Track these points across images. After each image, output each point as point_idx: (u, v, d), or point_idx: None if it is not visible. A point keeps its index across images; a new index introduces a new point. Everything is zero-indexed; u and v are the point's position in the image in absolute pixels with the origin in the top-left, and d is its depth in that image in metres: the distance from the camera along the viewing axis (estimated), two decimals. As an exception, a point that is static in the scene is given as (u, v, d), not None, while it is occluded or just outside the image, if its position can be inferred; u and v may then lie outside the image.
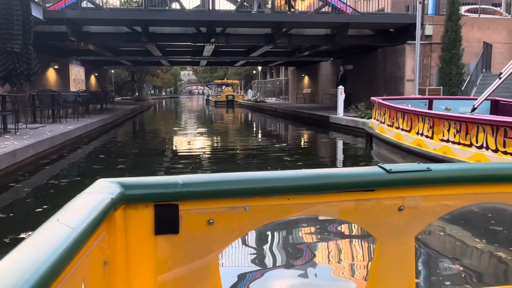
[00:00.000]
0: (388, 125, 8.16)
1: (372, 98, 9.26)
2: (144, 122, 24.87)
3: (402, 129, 7.59)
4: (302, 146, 13.54)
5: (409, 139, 7.32)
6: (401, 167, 1.28)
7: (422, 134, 6.98)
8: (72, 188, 6.39)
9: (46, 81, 22.08)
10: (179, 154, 11.29)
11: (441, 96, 12.83)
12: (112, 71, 53.27)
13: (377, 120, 8.82)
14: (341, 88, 17.15)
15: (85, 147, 11.46)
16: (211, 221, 1.14)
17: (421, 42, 18.54)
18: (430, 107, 9.54)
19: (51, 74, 22.96)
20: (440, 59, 17.65)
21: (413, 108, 7.70)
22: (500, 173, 1.36)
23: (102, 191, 1.01)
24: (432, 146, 6.62)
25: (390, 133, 7.97)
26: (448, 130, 6.33)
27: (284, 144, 13.74)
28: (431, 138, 6.75)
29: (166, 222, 1.10)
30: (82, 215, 0.85)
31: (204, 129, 19.69)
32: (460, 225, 4.33)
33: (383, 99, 8.85)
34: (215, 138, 15.75)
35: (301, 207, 1.24)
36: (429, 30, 18.31)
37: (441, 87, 17.10)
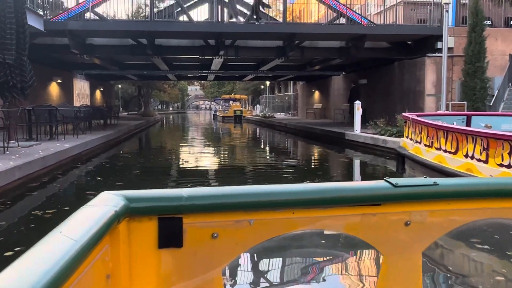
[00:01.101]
0: (426, 145, 7.07)
1: (404, 114, 8.20)
2: (149, 139, 23.90)
3: (445, 151, 6.49)
4: (319, 166, 12.45)
5: (455, 163, 6.21)
6: (407, 181, 1.28)
7: (472, 157, 5.88)
8: (57, 221, 5.36)
9: (48, 95, 21.28)
10: (184, 175, 10.25)
11: (480, 113, 11.70)
12: (119, 86, 52.77)
13: (411, 139, 7.74)
14: (358, 103, 16.09)
15: (82, 167, 10.46)
16: (215, 234, 1.14)
17: (442, 54, 17.54)
18: (468, 125, 8.46)
19: (54, 88, 22.17)
20: (463, 72, 16.58)
21: (459, 127, 6.62)
22: (509, 188, 1.35)
23: (106, 203, 1.03)
24: (487, 172, 5.51)
25: (429, 155, 6.87)
26: (510, 154, 5.23)
27: (299, 164, 12.66)
28: (485, 162, 5.65)
29: (170, 236, 1.10)
30: (85, 227, 0.86)
31: (211, 146, 18.65)
32: (467, 240, 4.19)
33: (418, 115, 7.78)
34: (223, 157, 14.71)
35: (306, 221, 1.24)
36: (450, 42, 17.26)
37: (465, 102, 16.00)
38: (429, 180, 1.29)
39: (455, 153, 6.24)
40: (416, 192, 1.26)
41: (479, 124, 8.33)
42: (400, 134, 13.78)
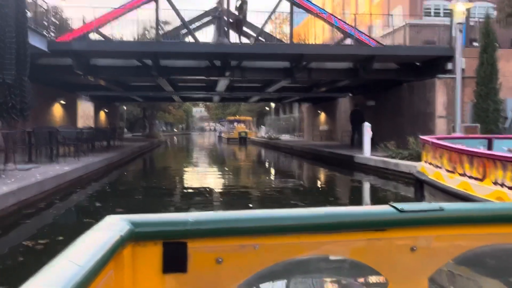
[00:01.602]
0: (448, 170, 6.57)
1: (422, 137, 7.73)
2: (153, 161, 23.47)
3: (471, 177, 5.99)
4: (330, 191, 11.93)
5: (483, 190, 5.71)
6: (413, 206, 1.27)
7: (503, 185, 5.38)
8: (49, 253, 4.88)
9: (51, 116, 21.01)
10: (188, 201, 9.77)
11: (502, 136, 11.20)
12: (125, 107, 52.69)
13: (430, 163, 7.25)
14: (367, 126, 15.64)
15: (81, 192, 10.00)
16: (220, 259, 1.13)
17: (453, 76, 17.15)
18: (490, 148, 7.96)
19: (57, 110, 21.92)
20: (475, 94, 16.15)
21: (487, 151, 6.14)
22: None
23: (111, 228, 1.03)
24: (521, 201, 5.00)
25: (452, 182, 6.37)
26: (548, 182, 4.74)
27: (308, 188, 12.15)
28: (519, 190, 5.15)
29: (175, 261, 1.10)
30: (90, 252, 0.86)
31: (216, 169, 18.18)
32: (474, 266, 3.60)
33: (437, 139, 7.31)
34: (229, 181, 14.22)
35: (311, 246, 1.23)
36: (461, 63, 16.90)
37: (478, 124, 15.51)
38: (435, 205, 1.28)
39: (482, 179, 5.75)
40: (421, 217, 1.26)
41: (502, 148, 7.84)
42: (412, 157, 13.29)
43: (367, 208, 1.39)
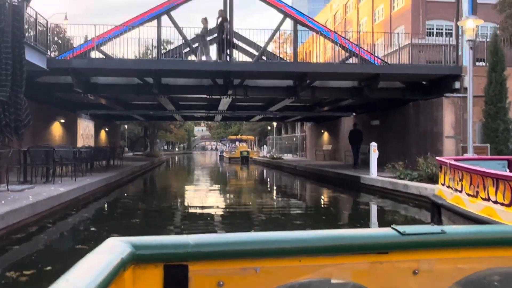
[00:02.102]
0: (469, 195, 6.09)
1: (439, 158, 7.27)
2: (154, 181, 22.95)
3: (496, 202, 5.51)
4: (337, 214, 11.40)
5: (510, 217, 5.22)
6: (415, 229, 1.27)
7: (535, 212, 4.90)
8: (34, 285, 4.40)
9: (50, 135, 20.63)
10: (188, 225, 9.26)
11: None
12: (126, 126, 52.45)
13: (448, 186, 6.77)
14: (373, 145, 15.20)
15: (77, 215, 9.50)
16: (221, 283, 1.13)
17: (460, 95, 16.81)
18: (511, 170, 7.50)
19: (57, 128, 21.55)
20: (484, 113, 15.72)
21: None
22: None
23: (112, 250, 1.02)
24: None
25: (475, 206, 5.89)
26: None
27: (314, 211, 11.64)
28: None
29: (175, 284, 1.10)
30: (91, 276, 0.86)
31: (218, 190, 17.67)
32: None
33: (455, 160, 6.85)
34: (231, 203, 13.71)
35: (313, 269, 1.22)
36: (468, 81, 16.55)
37: (488, 144, 15.05)
38: (437, 228, 1.28)
39: (509, 205, 5.26)
40: (423, 240, 1.25)
41: (522, 170, 7.39)
42: (422, 179, 12.81)
43: (369, 231, 1.34)
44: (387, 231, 1.27)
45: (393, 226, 1.28)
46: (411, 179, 12.97)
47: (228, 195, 15.42)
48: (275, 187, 18.94)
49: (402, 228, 1.26)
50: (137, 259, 1.06)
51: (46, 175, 11.74)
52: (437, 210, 6.87)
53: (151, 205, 11.81)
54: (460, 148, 16.56)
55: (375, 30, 36.89)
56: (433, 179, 12.37)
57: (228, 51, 16.40)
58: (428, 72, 16.63)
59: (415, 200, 11.60)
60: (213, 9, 28.76)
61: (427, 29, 38.94)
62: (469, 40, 11.04)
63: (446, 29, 37.59)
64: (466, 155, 10.87)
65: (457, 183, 6.41)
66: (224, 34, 15.95)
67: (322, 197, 14.74)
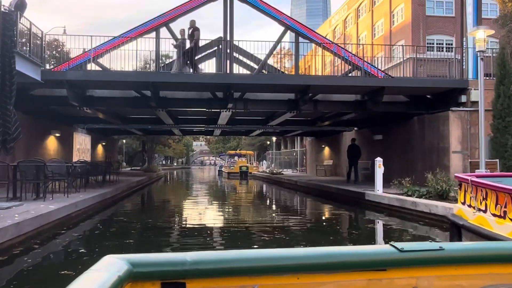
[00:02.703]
0: (495, 215, 5.54)
1: (458, 175, 6.72)
2: (151, 197, 22.31)
3: (529, 224, 4.96)
4: (344, 233, 10.80)
5: (546, 242, 4.62)
6: (413, 246, 1.27)
7: None
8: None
9: (45, 149, 20.07)
10: (186, 248, 8.67)
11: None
12: (124, 140, 51.89)
13: (470, 206, 6.22)
14: (379, 160, 14.67)
15: (67, 234, 8.89)
16: None
17: (467, 108, 16.36)
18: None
19: (52, 143, 21.00)
20: (492, 128, 15.23)
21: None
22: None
23: (109, 268, 1.02)
24: None
25: (503, 228, 5.32)
26: None
27: (319, 229, 11.03)
28: None
29: None
30: None
31: (217, 208, 17.07)
32: None
33: (477, 176, 6.31)
34: (231, 222, 13.11)
35: (311, 287, 1.20)
36: (475, 95, 16.12)
37: (497, 160, 14.54)
38: (435, 245, 1.28)
39: (545, 228, 4.71)
40: (422, 257, 1.25)
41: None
42: (430, 195, 12.25)
43: (367, 248, 1.32)
44: (385, 248, 1.25)
45: (391, 243, 1.26)
46: (420, 196, 12.41)
47: (227, 213, 14.82)
48: (276, 204, 18.31)
49: (400, 244, 1.24)
50: (134, 277, 1.04)
51: (37, 191, 11.15)
52: (457, 231, 6.30)
53: (146, 223, 11.20)
54: (467, 163, 16.05)
55: (375, 47, 36.73)
56: (443, 196, 11.83)
57: (228, 63, 15.97)
58: (434, 85, 16.19)
59: (424, 218, 11.03)
60: (212, 20, 28.50)
61: (427, 43, 38.75)
62: (480, 51, 10.59)
63: (446, 44, 37.46)
64: (478, 172, 10.32)
65: (480, 202, 5.86)
66: (193, 43, 15.48)
67: (326, 215, 14.13)
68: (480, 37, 10.37)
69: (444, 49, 37.53)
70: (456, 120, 16.21)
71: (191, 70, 15.54)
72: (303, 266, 1.19)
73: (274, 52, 19.88)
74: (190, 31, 15.83)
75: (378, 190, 14.38)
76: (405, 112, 18.66)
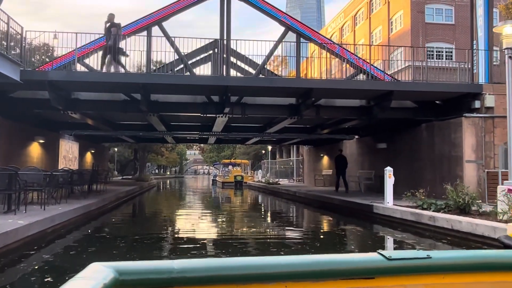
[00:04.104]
0: None
1: (508, 186, 5.51)
2: (141, 209, 20.90)
3: None
4: (360, 252, 9.54)
5: None
6: (401, 254, 1.27)
7: None
8: None
9: (27, 157, 18.69)
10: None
11: None
12: (116, 149, 50.45)
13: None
14: (389, 170, 13.48)
15: (36, 256, 7.54)
16: None
17: (482, 115, 15.26)
18: None
19: (35, 150, 19.63)
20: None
21: None
22: (503, 261, 1.32)
23: (94, 276, 1.00)
24: None
25: None
26: None
27: (330, 248, 9.77)
28: None
29: None
30: None
31: (214, 224, 15.76)
32: None
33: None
34: (230, 239, 11.83)
35: None
36: (490, 101, 15.05)
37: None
38: (423, 253, 1.28)
39: None
40: (409, 266, 1.25)
41: None
42: (450, 209, 11.03)
43: (355, 256, 1.30)
44: (373, 256, 1.26)
45: (379, 251, 1.26)
46: (437, 210, 11.19)
47: (225, 229, 13.53)
48: (276, 218, 16.97)
49: (388, 253, 1.25)
50: (120, 285, 1.03)
51: (8, 204, 9.82)
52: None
53: (133, 241, 9.88)
54: (482, 174, 14.92)
55: (373, 55, 35.84)
56: (464, 210, 10.62)
57: (225, 66, 14.79)
58: (446, 90, 15.08)
59: (446, 236, 9.81)
60: (209, 21, 27.34)
61: (427, 51, 37.95)
62: (508, 48, 9.47)
63: (446, 52, 36.70)
64: (507, 183, 9.12)
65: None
66: (111, 41, 14.13)
67: (335, 231, 12.77)
68: (509, 33, 9.26)
69: (444, 57, 36.77)
70: (470, 127, 15.10)
71: (112, 69, 14.16)
72: (291, 274, 1.18)
73: (269, 60, 18.77)
74: (108, 25, 14.43)
75: (388, 203, 13.18)
76: (412, 119, 17.55)
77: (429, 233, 10.37)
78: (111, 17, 14.49)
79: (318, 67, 34.00)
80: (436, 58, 34.46)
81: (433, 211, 11.24)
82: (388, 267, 1.21)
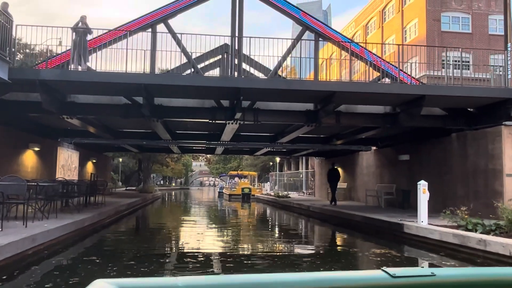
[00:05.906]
0: None
1: None
2: (142, 224, 19.27)
3: None
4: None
5: None
6: (405, 271, 1.25)
7: None
8: None
9: (20, 166, 17.25)
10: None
11: None
12: (120, 159, 49.05)
13: None
14: (423, 184, 11.84)
15: (8, 285, 6.01)
16: None
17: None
18: None
19: (29, 158, 18.19)
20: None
21: None
22: (509, 279, 1.27)
23: None
24: None
25: None
26: None
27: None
28: None
29: None
30: None
31: (224, 244, 14.14)
32: None
33: None
34: (241, 263, 10.23)
35: None
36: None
37: None
38: (427, 270, 1.26)
39: None
40: (413, 283, 1.22)
41: None
42: (502, 231, 9.38)
43: (359, 273, 1.29)
44: (377, 273, 1.24)
45: (383, 268, 1.25)
46: (486, 232, 9.53)
47: (236, 250, 11.94)
48: (293, 237, 15.21)
49: (392, 270, 1.23)
50: None
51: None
52: None
53: (126, 268, 8.31)
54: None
55: (388, 59, 34.47)
56: (522, 233, 8.97)
57: (236, 63, 13.33)
58: (483, 95, 13.46)
59: (502, 264, 8.16)
60: (218, 16, 26.04)
61: (443, 61, 36.46)
62: None
63: (463, 61, 35.21)
64: None
65: None
66: (77, 38, 12.75)
67: (364, 254, 10.99)
68: None
69: (461, 67, 35.27)
70: (510, 137, 13.48)
71: (79, 67, 12.76)
72: None
73: (282, 67, 17.30)
74: (78, 24, 13.07)
75: (423, 222, 11.52)
76: (441, 128, 15.96)
77: (479, 259, 8.72)
78: (83, 18, 13.24)
79: (337, 70, 32.45)
80: (453, 68, 33.00)
81: (481, 232, 9.58)
82: (392, 285, 1.19)
